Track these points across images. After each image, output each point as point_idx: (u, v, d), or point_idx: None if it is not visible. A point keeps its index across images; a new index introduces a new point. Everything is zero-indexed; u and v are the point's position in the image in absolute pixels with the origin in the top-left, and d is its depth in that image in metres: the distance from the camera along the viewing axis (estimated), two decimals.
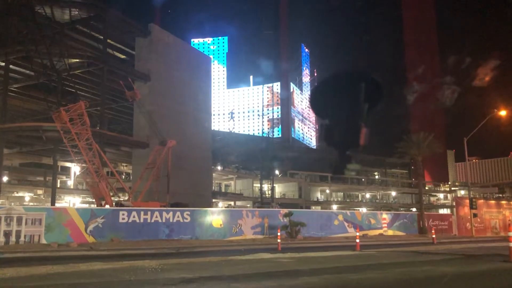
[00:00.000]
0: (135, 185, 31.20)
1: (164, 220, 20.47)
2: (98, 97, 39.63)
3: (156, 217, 20.27)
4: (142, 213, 20.00)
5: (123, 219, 19.35)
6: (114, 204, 26.84)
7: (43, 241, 17.61)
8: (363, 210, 39.32)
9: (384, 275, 8.68)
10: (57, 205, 36.21)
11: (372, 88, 3.07)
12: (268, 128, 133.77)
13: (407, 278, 8.31)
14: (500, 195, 70.95)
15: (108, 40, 38.19)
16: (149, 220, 20.01)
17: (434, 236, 22.73)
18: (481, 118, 34.47)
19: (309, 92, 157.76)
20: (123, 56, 42.30)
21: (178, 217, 20.94)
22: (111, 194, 30.14)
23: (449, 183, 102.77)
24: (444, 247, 17.39)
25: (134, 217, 19.59)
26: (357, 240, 15.35)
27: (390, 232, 31.05)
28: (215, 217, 22.65)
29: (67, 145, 26.80)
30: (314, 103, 3.15)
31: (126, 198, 30.14)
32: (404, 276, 8.65)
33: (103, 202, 26.75)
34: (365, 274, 8.74)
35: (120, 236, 19.16)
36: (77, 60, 37.35)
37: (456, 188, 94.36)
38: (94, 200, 30.48)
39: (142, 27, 39.28)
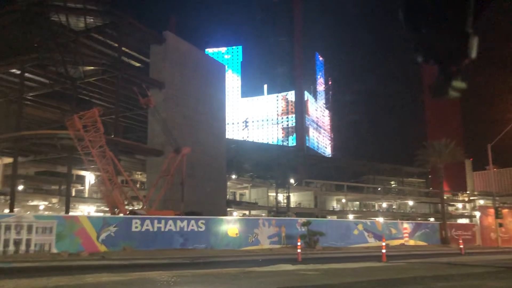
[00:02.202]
0: (149, 193, 30.73)
1: (178, 229, 19.81)
2: (112, 105, 39.39)
3: (170, 225, 19.62)
4: (155, 221, 19.38)
5: (136, 227, 18.74)
6: (128, 212, 26.33)
7: (54, 250, 17.06)
8: (380, 219, 38.18)
9: None
10: (71, 213, 35.88)
11: None
12: (283, 137, 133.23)
13: None
14: None
15: (123, 48, 38.05)
16: (163, 229, 19.37)
17: (462, 246, 21.67)
18: (495, 126, 33.43)
19: (323, 101, 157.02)
20: (138, 64, 42.17)
21: (192, 226, 20.28)
22: (126, 202, 29.72)
23: (468, 192, 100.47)
24: (476, 258, 16.38)
25: (147, 225, 18.98)
26: (383, 251, 14.47)
27: (412, 242, 29.94)
28: (230, 226, 21.93)
29: (81, 153, 26.44)
30: (406, 8, 2.35)
31: (140, 206, 29.63)
32: None
33: (116, 211, 26.25)
34: None
35: (133, 245, 18.55)
36: (92, 67, 37.27)
37: (475, 198, 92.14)
38: (108, 209, 30.03)
39: (157, 35, 39.08)
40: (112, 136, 35.04)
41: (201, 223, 20.64)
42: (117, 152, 34.25)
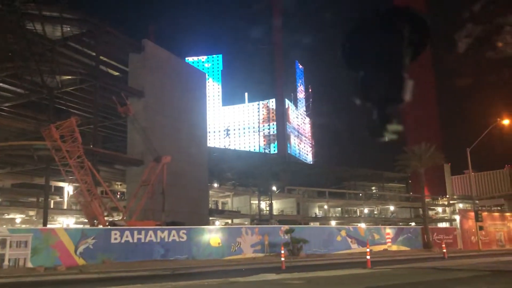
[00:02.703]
0: (129, 203, 30.13)
1: (159, 240, 19.35)
2: (91, 114, 38.71)
3: (151, 236, 19.15)
4: (135, 232, 18.89)
5: (116, 239, 18.22)
6: (107, 224, 25.73)
7: (29, 265, 16.43)
8: (362, 225, 38.28)
9: None
10: (49, 226, 34.93)
11: (416, 28, 2.30)
12: (264, 144, 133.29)
13: None
14: (499, 207, 70.01)
15: (101, 57, 37.50)
16: (143, 240, 18.89)
17: (445, 250, 21.75)
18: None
19: (304, 108, 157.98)
20: (116, 73, 41.57)
21: (173, 236, 19.84)
22: (105, 213, 29.06)
23: (447, 196, 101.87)
24: (459, 262, 16.40)
25: (127, 237, 18.47)
26: (368, 257, 14.34)
27: (394, 247, 29.99)
28: (213, 235, 21.57)
29: (58, 164, 25.78)
30: (346, 51, 2.30)
31: (120, 217, 29.01)
32: None
33: (96, 222, 25.63)
34: None
35: (112, 257, 18.02)
36: (69, 77, 36.61)
37: (455, 202, 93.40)
38: (87, 221, 29.29)
39: (135, 43, 38.61)
40: (91, 146, 34.38)
41: (183, 233, 20.22)
42: (96, 162, 33.59)
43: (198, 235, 21.07)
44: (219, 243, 21.44)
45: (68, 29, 35.03)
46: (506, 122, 30.85)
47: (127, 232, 18.62)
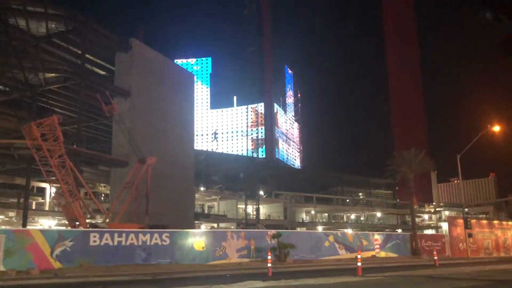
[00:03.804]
0: (112, 205, 29.22)
1: (140, 243, 18.54)
2: (76, 114, 37.72)
3: (132, 239, 18.33)
4: (116, 235, 18.06)
5: (95, 241, 17.37)
6: (88, 226, 24.85)
7: (1, 267, 15.54)
8: (349, 231, 37.83)
9: None
10: (29, 227, 33.83)
11: None
12: (253, 149, 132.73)
13: None
14: (484, 215, 70.36)
15: (87, 55, 36.59)
16: (123, 243, 18.06)
17: (436, 258, 21.32)
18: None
19: (292, 113, 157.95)
20: (103, 72, 40.68)
21: (156, 239, 19.05)
22: (88, 215, 28.14)
23: (434, 203, 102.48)
24: (452, 270, 15.92)
25: (107, 239, 17.62)
26: (359, 264, 13.77)
27: (383, 254, 29.53)
28: (197, 239, 20.81)
29: (39, 163, 24.83)
30: None
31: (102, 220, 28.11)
32: None
33: (77, 224, 24.73)
34: None
35: (90, 261, 17.18)
36: (53, 74, 35.61)
37: (441, 209, 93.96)
38: (68, 222, 28.32)
39: (123, 42, 37.82)
40: (74, 145, 33.44)
41: (165, 236, 19.45)
42: (80, 162, 32.67)
43: (182, 238, 20.32)
44: (203, 247, 20.70)
45: (54, 25, 34.11)
46: (496, 128, 30.71)
47: (107, 235, 17.77)
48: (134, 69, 37.59)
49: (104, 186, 54.72)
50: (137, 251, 18.31)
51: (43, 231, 18.05)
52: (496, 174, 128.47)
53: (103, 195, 59.76)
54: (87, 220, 29.98)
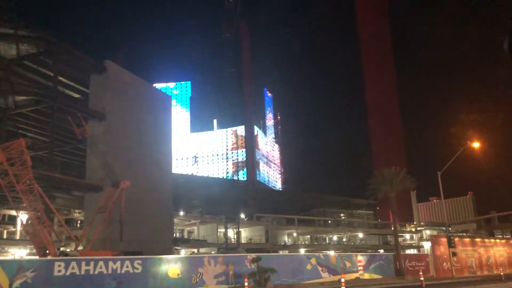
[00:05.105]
0: (84, 232, 27.95)
1: (110, 271, 17.39)
2: (48, 138, 36.47)
3: (101, 267, 17.18)
4: (83, 263, 16.90)
5: (60, 271, 16.17)
6: (59, 254, 23.55)
7: None
8: (331, 253, 37.04)
9: None
10: (0, 258, 32.11)
11: None
12: (233, 171, 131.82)
13: None
14: (464, 234, 70.53)
15: (61, 77, 35.62)
16: (92, 272, 16.90)
17: (422, 279, 20.69)
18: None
19: (272, 135, 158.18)
20: (77, 95, 39.65)
21: (127, 267, 17.92)
22: (62, 244, 26.88)
23: (415, 223, 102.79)
24: None
25: (73, 268, 16.44)
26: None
27: (367, 276, 28.74)
28: (171, 266, 19.74)
29: (5, 189, 23.60)
30: None
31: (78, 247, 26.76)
32: None
33: (46, 252, 23.42)
34: None
35: None
36: (24, 97, 34.48)
37: (422, 228, 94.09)
38: (36, 251, 26.89)
39: (97, 64, 36.98)
40: (45, 171, 32.14)
41: (137, 263, 18.34)
42: (51, 188, 31.40)
43: (155, 265, 19.24)
44: (178, 274, 19.64)
45: (25, 47, 33.16)
46: (476, 145, 30.67)
47: (73, 263, 16.60)
48: (109, 91, 36.73)
49: (79, 213, 52.93)
50: (107, 280, 17.16)
51: (1, 262, 16.79)
52: (474, 192, 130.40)
53: (79, 221, 57.86)
54: (62, 248, 28.64)
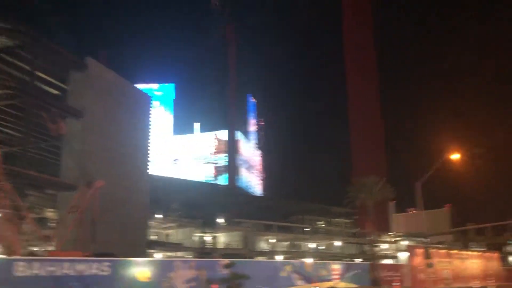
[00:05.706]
0: (55, 231, 27.19)
1: (75, 273, 16.74)
2: (23, 134, 35.47)
3: (67, 269, 16.53)
4: (47, 264, 16.21)
5: (21, 271, 15.47)
6: (27, 254, 22.75)
7: None
8: (307, 260, 36.77)
9: None
10: None
11: None
12: (215, 176, 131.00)
13: None
14: (440, 245, 71.21)
15: (39, 73, 34.73)
16: (56, 273, 16.23)
17: None
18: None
19: (255, 141, 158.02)
20: (56, 92, 38.70)
21: (95, 269, 17.29)
22: (34, 244, 26.16)
23: (393, 233, 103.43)
24: None
25: (36, 269, 15.74)
26: None
27: (342, 285, 28.49)
28: (141, 269, 19.15)
29: None
30: None
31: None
32: None
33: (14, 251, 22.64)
34: None
35: None
36: None
37: (399, 239, 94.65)
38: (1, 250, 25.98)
39: (78, 60, 36.29)
40: (19, 167, 31.18)
41: (106, 265, 17.70)
42: (23, 186, 30.51)
43: (125, 268, 18.61)
44: (148, 278, 19.05)
45: (2, 39, 32.25)
46: (456, 156, 30.86)
47: (36, 264, 15.89)
48: (89, 89, 36.03)
49: (53, 212, 51.75)
50: (71, 282, 16.45)
51: None
52: (452, 204, 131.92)
53: (52, 221, 56.53)
54: (31, 248, 27.74)
